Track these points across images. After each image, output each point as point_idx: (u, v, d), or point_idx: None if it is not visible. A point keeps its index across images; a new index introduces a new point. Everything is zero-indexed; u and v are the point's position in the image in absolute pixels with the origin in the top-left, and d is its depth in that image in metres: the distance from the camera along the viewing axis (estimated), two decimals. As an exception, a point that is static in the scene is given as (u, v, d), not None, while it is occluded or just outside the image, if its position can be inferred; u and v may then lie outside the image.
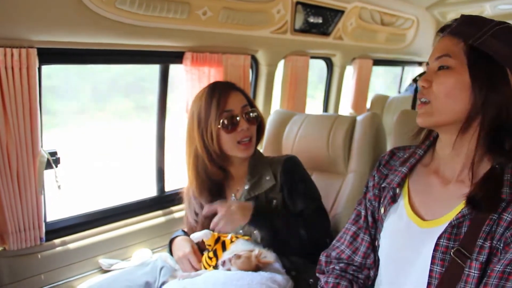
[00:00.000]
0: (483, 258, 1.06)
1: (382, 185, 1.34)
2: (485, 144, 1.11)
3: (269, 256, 1.64)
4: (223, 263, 1.64)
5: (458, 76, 1.10)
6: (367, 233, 1.38)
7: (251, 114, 1.85)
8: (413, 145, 1.35)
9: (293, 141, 2.37)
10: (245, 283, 1.54)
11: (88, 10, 1.82)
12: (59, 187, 1.95)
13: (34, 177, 1.85)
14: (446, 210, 1.16)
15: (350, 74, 4.08)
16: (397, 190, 1.29)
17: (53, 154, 1.94)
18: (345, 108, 4.18)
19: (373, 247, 1.37)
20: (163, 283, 1.79)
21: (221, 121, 1.79)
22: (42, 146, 1.89)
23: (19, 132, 1.77)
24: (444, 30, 1.18)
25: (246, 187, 1.86)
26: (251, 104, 1.89)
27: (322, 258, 1.46)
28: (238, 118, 1.81)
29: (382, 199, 1.34)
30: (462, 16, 1.16)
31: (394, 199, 1.29)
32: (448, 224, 1.12)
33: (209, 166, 1.85)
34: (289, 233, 1.75)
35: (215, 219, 1.70)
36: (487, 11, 3.93)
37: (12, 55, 1.69)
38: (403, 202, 1.27)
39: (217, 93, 1.82)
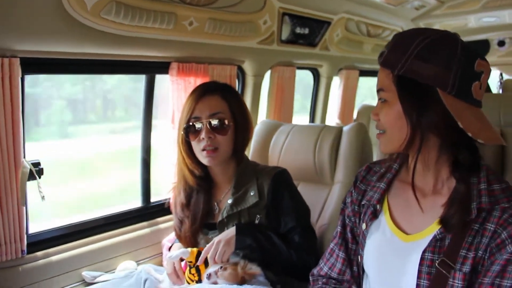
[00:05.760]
0: (466, 268, 1.07)
1: (362, 203, 1.34)
2: (445, 160, 1.16)
3: (254, 268, 1.63)
4: (209, 276, 1.62)
5: (393, 107, 1.15)
6: (342, 249, 1.39)
7: (215, 122, 1.80)
8: (387, 159, 1.37)
9: (280, 151, 2.37)
10: (230, 296, 1.53)
11: (72, 19, 1.79)
12: (42, 197, 1.91)
13: (16, 189, 1.81)
14: (428, 222, 1.17)
15: (336, 84, 4.10)
16: (378, 207, 1.29)
17: (36, 164, 1.90)
18: (332, 119, 4.19)
19: (349, 264, 1.37)
20: (147, 295, 1.77)
21: (184, 127, 1.82)
22: (24, 157, 1.86)
23: (1, 143, 1.73)
24: (380, 57, 1.20)
25: (230, 201, 1.82)
26: (233, 109, 1.86)
27: (310, 278, 1.47)
28: (201, 126, 1.80)
29: (362, 215, 1.34)
30: (393, 37, 1.19)
31: (375, 215, 1.30)
32: (432, 238, 1.13)
33: (185, 172, 1.88)
34: (274, 247, 1.73)
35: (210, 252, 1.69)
36: (472, 23, 3.99)
37: (-6, 64, 1.66)
38: (384, 217, 1.27)
39: (191, 98, 1.84)
